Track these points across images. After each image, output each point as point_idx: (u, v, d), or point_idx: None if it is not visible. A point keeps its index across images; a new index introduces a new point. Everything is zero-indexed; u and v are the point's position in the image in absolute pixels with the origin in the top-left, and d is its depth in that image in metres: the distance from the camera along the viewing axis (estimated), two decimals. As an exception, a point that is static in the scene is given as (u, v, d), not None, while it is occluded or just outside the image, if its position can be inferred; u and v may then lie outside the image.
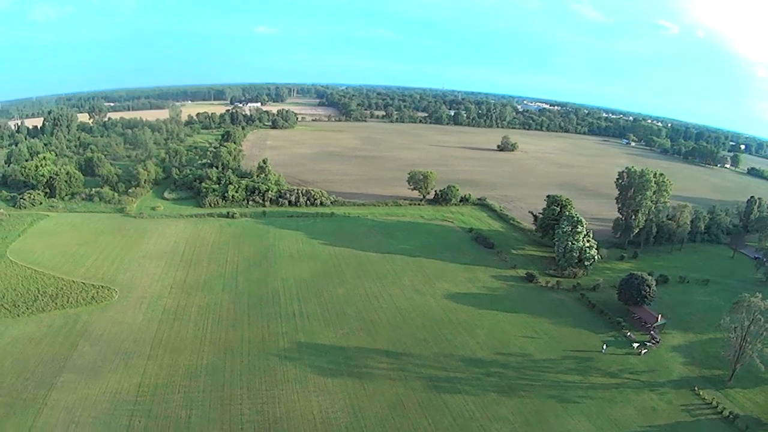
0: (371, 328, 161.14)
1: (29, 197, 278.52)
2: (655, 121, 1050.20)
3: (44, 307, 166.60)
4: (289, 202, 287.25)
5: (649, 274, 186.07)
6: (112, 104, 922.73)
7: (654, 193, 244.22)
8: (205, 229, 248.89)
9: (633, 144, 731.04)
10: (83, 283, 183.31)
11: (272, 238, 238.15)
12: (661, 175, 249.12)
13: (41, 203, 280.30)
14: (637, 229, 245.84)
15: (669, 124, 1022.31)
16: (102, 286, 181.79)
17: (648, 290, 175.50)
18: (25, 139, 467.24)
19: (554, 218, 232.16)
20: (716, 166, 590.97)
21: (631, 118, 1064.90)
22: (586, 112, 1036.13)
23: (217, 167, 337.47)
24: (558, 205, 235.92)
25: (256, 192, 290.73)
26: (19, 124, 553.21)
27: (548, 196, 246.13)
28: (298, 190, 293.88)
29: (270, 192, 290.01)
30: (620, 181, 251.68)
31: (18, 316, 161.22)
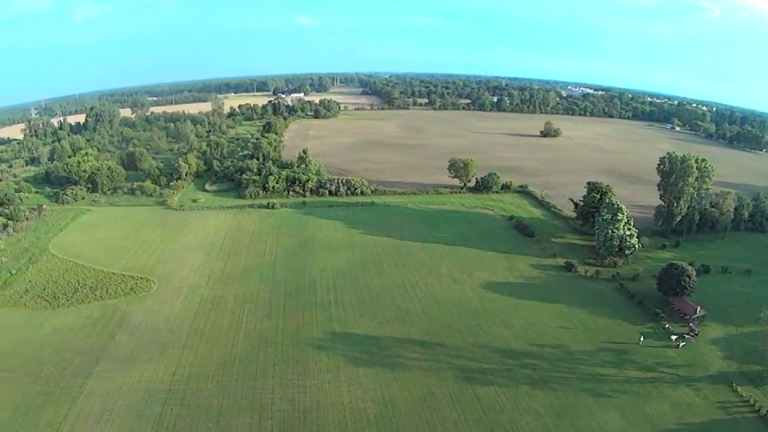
0: (406, 317, 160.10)
1: (71, 193, 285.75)
2: (699, 106, 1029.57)
3: (83, 298, 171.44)
4: (330, 191, 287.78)
5: (689, 264, 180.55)
6: (155, 98, 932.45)
7: (696, 179, 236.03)
8: (245, 220, 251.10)
9: (677, 129, 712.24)
10: (122, 275, 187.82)
11: (311, 227, 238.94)
12: (704, 160, 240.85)
13: (83, 198, 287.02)
14: (679, 217, 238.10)
15: (714, 108, 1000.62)
16: (141, 278, 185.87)
17: (688, 281, 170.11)
18: (68, 135, 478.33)
19: (594, 206, 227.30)
20: (762, 150, 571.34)
21: (675, 102, 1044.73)
22: (630, 96, 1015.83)
23: (257, 158, 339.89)
24: (598, 192, 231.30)
25: (297, 182, 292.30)
26: (62, 120, 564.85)
27: (588, 183, 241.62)
28: (338, 179, 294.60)
29: (310, 182, 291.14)
30: (662, 166, 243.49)
31: (58, 307, 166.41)
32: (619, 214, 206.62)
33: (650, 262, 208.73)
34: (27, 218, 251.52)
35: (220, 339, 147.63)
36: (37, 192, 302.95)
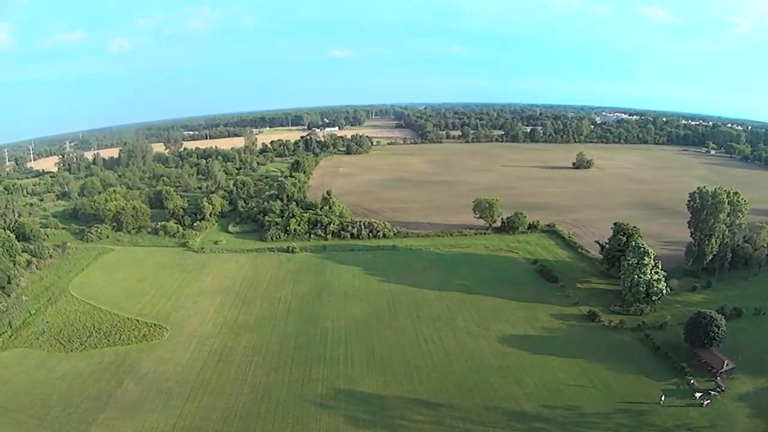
0: (415, 374, 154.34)
1: (96, 231, 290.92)
2: (734, 125, 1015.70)
3: (97, 343, 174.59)
4: (352, 234, 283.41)
5: (720, 311, 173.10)
6: (190, 133, 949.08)
7: (728, 215, 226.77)
8: (263, 264, 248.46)
9: (713, 152, 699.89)
10: (137, 320, 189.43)
11: (329, 274, 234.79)
12: (736, 193, 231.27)
13: (108, 237, 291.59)
14: (711, 256, 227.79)
15: (749, 127, 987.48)
16: (154, 324, 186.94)
17: (717, 331, 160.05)
18: (101, 170, 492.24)
19: (620, 249, 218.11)
20: None
21: (710, 122, 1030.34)
22: (665, 120, 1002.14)
23: (281, 199, 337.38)
24: (624, 234, 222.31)
25: (318, 225, 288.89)
26: (95, 154, 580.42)
27: (615, 224, 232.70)
28: (360, 222, 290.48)
29: (332, 225, 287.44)
30: (692, 203, 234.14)
31: (71, 351, 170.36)
32: (646, 258, 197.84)
33: (679, 307, 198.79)
34: (51, 255, 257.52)
35: (224, 392, 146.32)
36: (63, 228, 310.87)
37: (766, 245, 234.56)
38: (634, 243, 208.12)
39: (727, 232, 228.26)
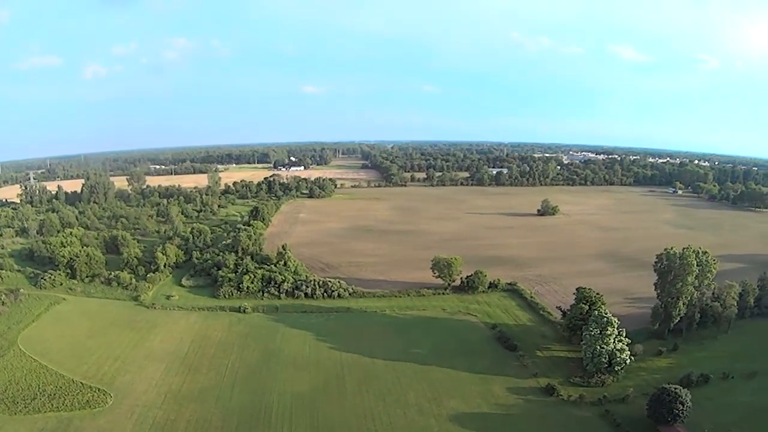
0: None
1: (50, 278, 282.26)
2: (701, 160, 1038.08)
3: (41, 407, 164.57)
4: (306, 294, 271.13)
5: (686, 378, 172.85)
6: (156, 167, 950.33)
7: (696, 277, 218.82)
8: (214, 326, 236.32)
9: (680, 192, 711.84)
10: (82, 383, 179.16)
11: (279, 339, 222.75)
12: (705, 253, 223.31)
13: (61, 284, 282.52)
14: (678, 319, 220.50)
15: (716, 162, 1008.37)
16: (99, 389, 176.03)
17: (681, 408, 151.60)
18: (63, 205, 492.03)
19: (582, 318, 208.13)
20: (767, 209, 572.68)
21: (677, 160, 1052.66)
22: (632, 159, 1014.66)
23: (236, 252, 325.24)
24: (587, 302, 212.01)
25: (272, 283, 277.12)
26: (59, 187, 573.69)
27: (577, 290, 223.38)
28: (314, 281, 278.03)
29: (286, 283, 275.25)
30: (659, 264, 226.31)
31: (15, 414, 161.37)
32: (609, 329, 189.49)
33: (644, 375, 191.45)
34: (3, 302, 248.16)
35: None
36: (18, 270, 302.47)
37: (735, 303, 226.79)
38: (597, 312, 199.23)
39: (695, 294, 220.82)
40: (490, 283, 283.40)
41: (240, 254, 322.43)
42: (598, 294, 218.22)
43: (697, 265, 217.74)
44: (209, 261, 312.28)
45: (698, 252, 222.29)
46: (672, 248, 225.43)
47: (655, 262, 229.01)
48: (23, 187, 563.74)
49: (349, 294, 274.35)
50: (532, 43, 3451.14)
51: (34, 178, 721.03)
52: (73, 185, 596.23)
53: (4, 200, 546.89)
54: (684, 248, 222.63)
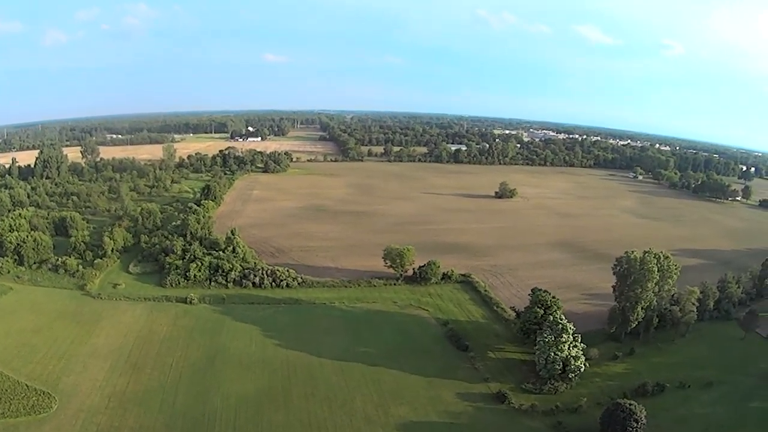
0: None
1: None
2: (662, 145, 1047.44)
3: None
4: (254, 283, 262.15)
5: (641, 387, 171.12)
6: (113, 136, 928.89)
7: (656, 283, 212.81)
8: (159, 319, 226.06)
9: (640, 177, 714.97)
10: (27, 386, 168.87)
11: (225, 334, 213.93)
12: (666, 258, 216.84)
13: (9, 271, 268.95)
14: (635, 323, 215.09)
15: (678, 147, 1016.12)
16: (44, 392, 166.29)
17: (635, 426, 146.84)
18: (16, 181, 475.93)
19: (537, 322, 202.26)
20: (727, 200, 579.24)
21: (638, 143, 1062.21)
22: (592, 141, 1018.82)
23: (184, 236, 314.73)
24: (542, 306, 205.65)
25: (220, 271, 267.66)
26: (13, 160, 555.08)
27: (532, 291, 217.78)
28: (263, 270, 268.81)
29: (234, 272, 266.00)
30: (618, 268, 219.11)
31: None
32: (564, 335, 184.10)
33: (598, 381, 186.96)
34: None
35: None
36: None
37: (695, 309, 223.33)
38: (552, 317, 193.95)
39: (654, 301, 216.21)
40: (444, 275, 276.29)
41: (188, 238, 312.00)
42: (554, 298, 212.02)
43: (658, 271, 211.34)
44: (157, 246, 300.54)
45: (659, 257, 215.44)
46: (633, 252, 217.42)
47: (615, 265, 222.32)
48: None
49: (298, 284, 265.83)
50: (498, 21, 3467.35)
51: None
52: (28, 157, 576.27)
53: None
54: (645, 252, 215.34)
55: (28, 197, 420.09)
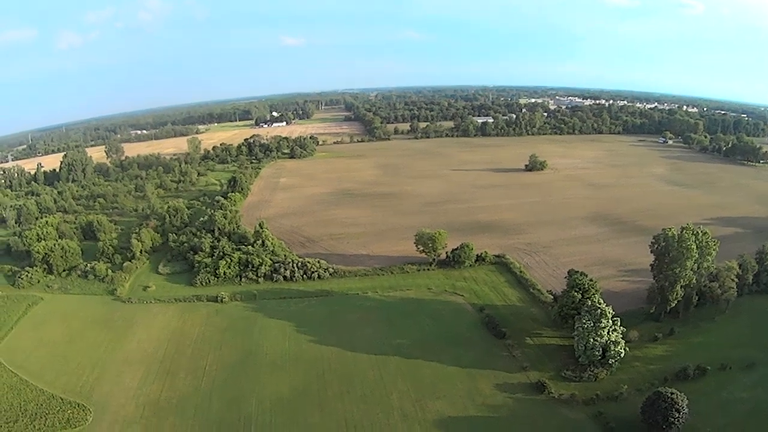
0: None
1: (26, 276, 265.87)
2: (689, 106, 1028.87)
3: (23, 429, 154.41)
4: (284, 277, 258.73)
5: (682, 372, 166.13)
6: (137, 132, 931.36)
7: (695, 261, 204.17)
8: (191, 320, 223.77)
9: (670, 141, 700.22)
10: (62, 399, 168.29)
11: (258, 332, 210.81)
12: (705, 234, 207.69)
13: (38, 281, 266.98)
14: (675, 303, 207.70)
15: (705, 108, 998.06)
16: (78, 404, 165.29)
17: (677, 416, 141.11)
18: (42, 187, 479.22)
19: (574, 307, 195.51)
20: (759, 162, 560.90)
21: (665, 106, 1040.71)
22: (620, 106, 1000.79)
23: (212, 232, 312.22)
24: (579, 290, 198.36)
25: (250, 266, 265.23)
26: (38, 166, 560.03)
27: (569, 273, 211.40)
28: (293, 262, 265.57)
29: (264, 266, 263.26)
30: (656, 246, 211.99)
31: None
32: (603, 321, 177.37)
33: (638, 365, 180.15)
34: None
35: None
36: None
37: (735, 285, 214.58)
38: (590, 302, 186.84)
39: (694, 278, 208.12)
40: (477, 256, 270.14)
41: (216, 234, 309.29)
42: (591, 281, 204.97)
43: (697, 248, 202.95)
44: (185, 244, 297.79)
45: (698, 233, 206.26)
46: (671, 229, 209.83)
47: (652, 243, 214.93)
48: (1, 171, 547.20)
49: (330, 274, 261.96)
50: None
51: (12, 158, 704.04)
52: (53, 161, 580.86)
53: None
54: (683, 228, 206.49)
55: (55, 203, 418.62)
